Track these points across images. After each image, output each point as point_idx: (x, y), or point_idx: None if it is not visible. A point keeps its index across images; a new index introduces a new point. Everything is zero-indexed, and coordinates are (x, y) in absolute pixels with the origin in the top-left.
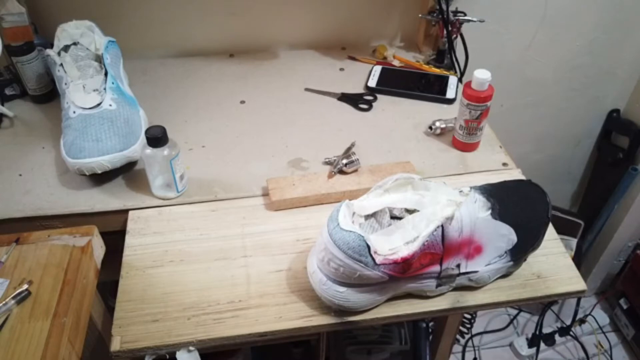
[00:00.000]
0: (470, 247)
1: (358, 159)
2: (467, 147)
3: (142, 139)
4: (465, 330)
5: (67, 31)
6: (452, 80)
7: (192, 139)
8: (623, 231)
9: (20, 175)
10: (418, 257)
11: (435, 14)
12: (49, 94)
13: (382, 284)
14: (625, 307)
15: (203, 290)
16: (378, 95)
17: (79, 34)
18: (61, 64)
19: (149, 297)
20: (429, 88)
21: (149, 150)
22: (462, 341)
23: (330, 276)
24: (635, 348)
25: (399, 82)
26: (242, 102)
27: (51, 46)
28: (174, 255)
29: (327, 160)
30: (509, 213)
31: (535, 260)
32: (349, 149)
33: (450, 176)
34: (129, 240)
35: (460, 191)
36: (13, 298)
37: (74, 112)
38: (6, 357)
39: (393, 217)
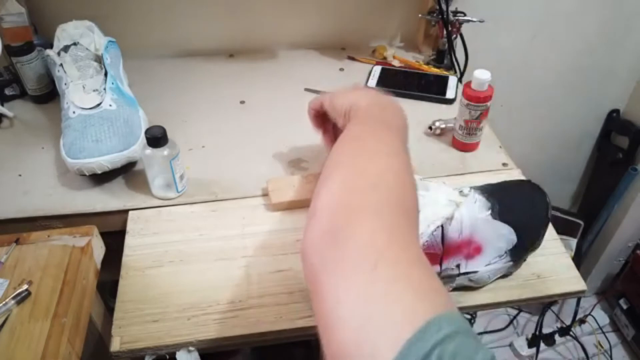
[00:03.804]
0: (470, 247)
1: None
2: (467, 147)
3: (142, 139)
4: None
5: (67, 31)
6: (452, 80)
7: (192, 139)
8: (623, 231)
9: (20, 175)
10: None
11: (435, 14)
12: (48, 94)
13: None
14: (625, 307)
15: (203, 290)
16: None
17: (78, 34)
18: (61, 64)
19: (149, 298)
20: (428, 88)
21: (149, 151)
22: None
23: None
24: (635, 348)
25: (399, 82)
26: (242, 102)
27: (51, 46)
28: (174, 256)
29: None
30: (509, 213)
31: (535, 260)
32: None
33: (450, 176)
34: (128, 240)
35: (460, 191)
36: (13, 298)
37: (74, 112)
38: (6, 357)
39: None
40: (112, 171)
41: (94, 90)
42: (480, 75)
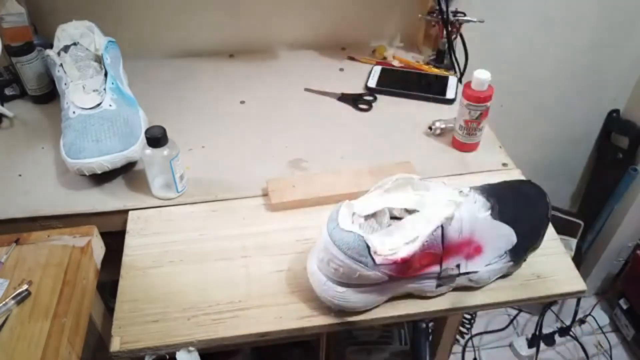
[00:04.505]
0: (470, 248)
1: None
2: (466, 147)
3: (142, 139)
4: (465, 330)
5: (67, 31)
6: (452, 80)
7: (191, 139)
8: (623, 231)
9: (20, 175)
10: (418, 258)
11: (435, 14)
12: (48, 94)
13: (382, 284)
14: (625, 307)
15: (203, 290)
16: (378, 96)
17: (78, 34)
18: (61, 64)
19: (149, 298)
20: (428, 88)
21: (149, 151)
22: (462, 341)
23: (330, 276)
24: (635, 348)
25: (399, 83)
26: (242, 102)
27: (51, 46)
28: (174, 256)
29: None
30: (509, 213)
31: (535, 260)
32: None
33: (450, 176)
34: (128, 240)
35: (460, 191)
36: (13, 298)
37: (74, 112)
38: (6, 357)
39: (393, 218)
40: (112, 171)
41: (94, 91)
42: (480, 75)
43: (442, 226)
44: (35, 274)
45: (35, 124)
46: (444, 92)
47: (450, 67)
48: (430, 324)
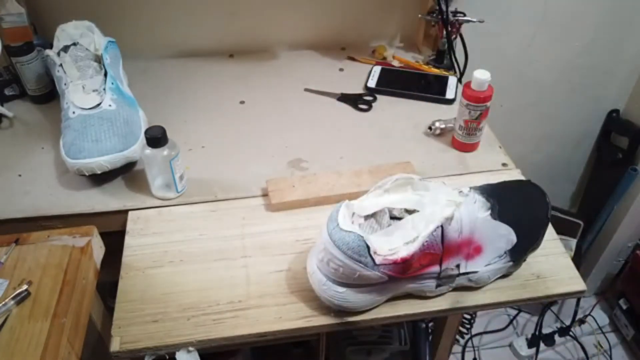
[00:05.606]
0: (470, 248)
1: None
2: (466, 148)
3: (142, 139)
4: (465, 330)
5: (67, 31)
6: (452, 80)
7: (191, 139)
8: (623, 231)
9: (20, 175)
10: (417, 258)
11: (434, 14)
12: (48, 94)
13: (381, 284)
14: (624, 307)
15: (203, 290)
16: (377, 96)
17: (78, 35)
18: (61, 65)
19: (149, 298)
20: (428, 88)
21: (149, 151)
22: (462, 341)
23: (329, 276)
24: (634, 348)
25: (399, 83)
26: (242, 102)
27: (51, 46)
28: (174, 256)
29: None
30: (509, 213)
31: (535, 260)
32: None
33: (450, 176)
34: (128, 240)
35: (460, 191)
36: (13, 298)
37: (74, 112)
38: (6, 357)
39: (393, 218)
40: (112, 171)
41: (93, 91)
42: (480, 76)
43: (441, 226)
44: (35, 274)
45: (35, 124)
46: (443, 92)
47: (450, 67)
48: (430, 324)
